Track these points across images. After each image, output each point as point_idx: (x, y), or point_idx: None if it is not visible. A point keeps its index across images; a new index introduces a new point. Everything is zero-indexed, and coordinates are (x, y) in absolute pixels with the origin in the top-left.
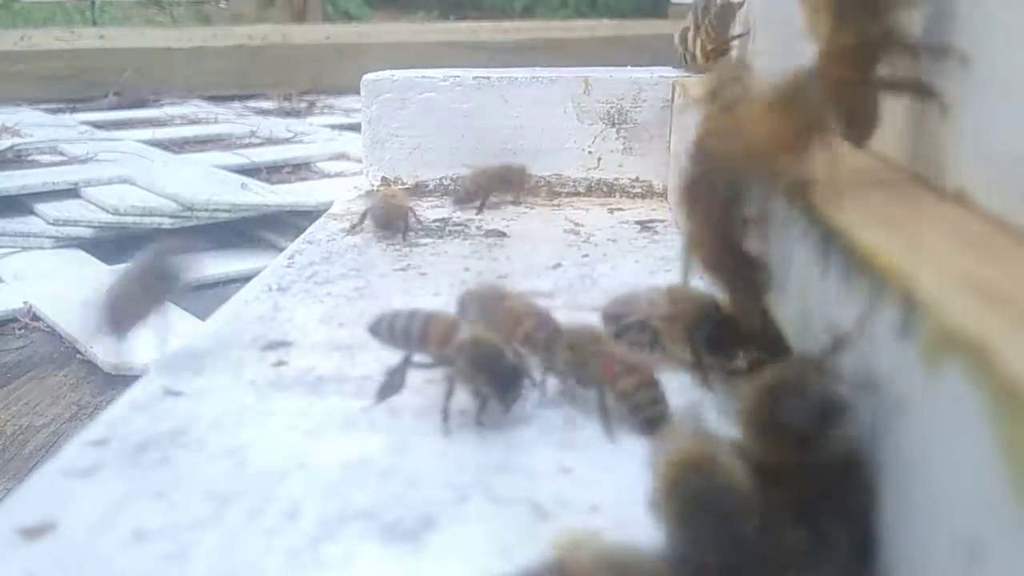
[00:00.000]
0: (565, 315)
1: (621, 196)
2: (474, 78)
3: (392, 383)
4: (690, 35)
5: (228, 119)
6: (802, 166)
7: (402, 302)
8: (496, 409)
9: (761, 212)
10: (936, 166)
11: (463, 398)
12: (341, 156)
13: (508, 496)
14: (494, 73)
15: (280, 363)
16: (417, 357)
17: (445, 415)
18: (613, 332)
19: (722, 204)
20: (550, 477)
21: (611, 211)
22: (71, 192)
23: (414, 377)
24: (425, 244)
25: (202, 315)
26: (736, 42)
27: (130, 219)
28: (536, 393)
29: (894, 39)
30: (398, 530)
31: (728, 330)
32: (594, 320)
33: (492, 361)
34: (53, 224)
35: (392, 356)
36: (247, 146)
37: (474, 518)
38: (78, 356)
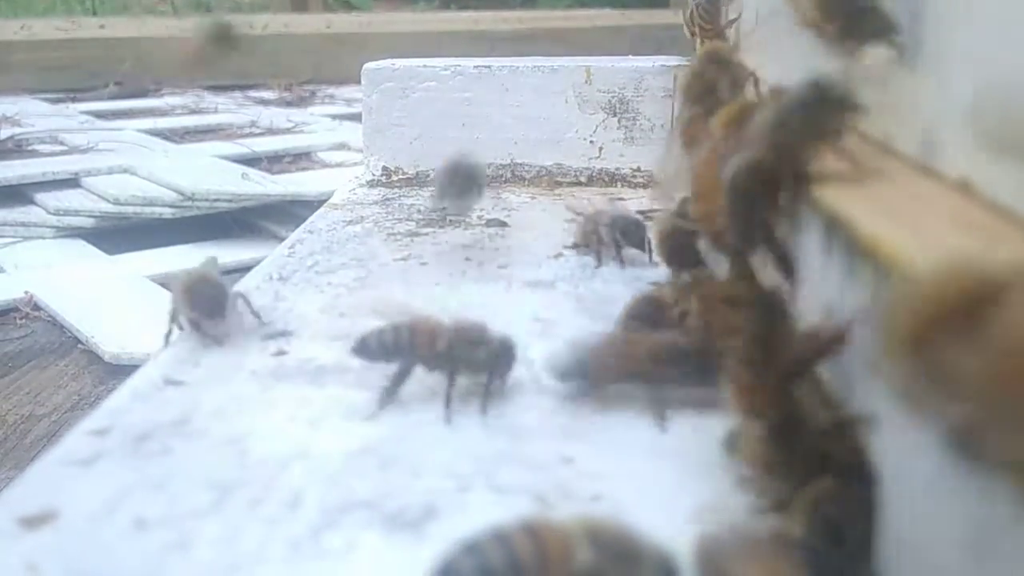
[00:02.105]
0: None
1: (623, 186)
2: (475, 67)
3: (393, 389)
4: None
5: (229, 109)
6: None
7: (403, 292)
8: (497, 392)
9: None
10: (940, 154)
11: (465, 389)
12: (342, 146)
13: (510, 486)
14: (495, 62)
15: (281, 353)
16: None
17: (448, 401)
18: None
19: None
20: (552, 467)
21: (612, 201)
22: (72, 182)
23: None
24: (426, 234)
25: None
26: (730, 27)
27: (131, 209)
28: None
29: None
30: (400, 520)
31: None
32: None
33: (480, 342)
34: (54, 214)
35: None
36: (248, 136)
37: (476, 508)
38: (79, 346)
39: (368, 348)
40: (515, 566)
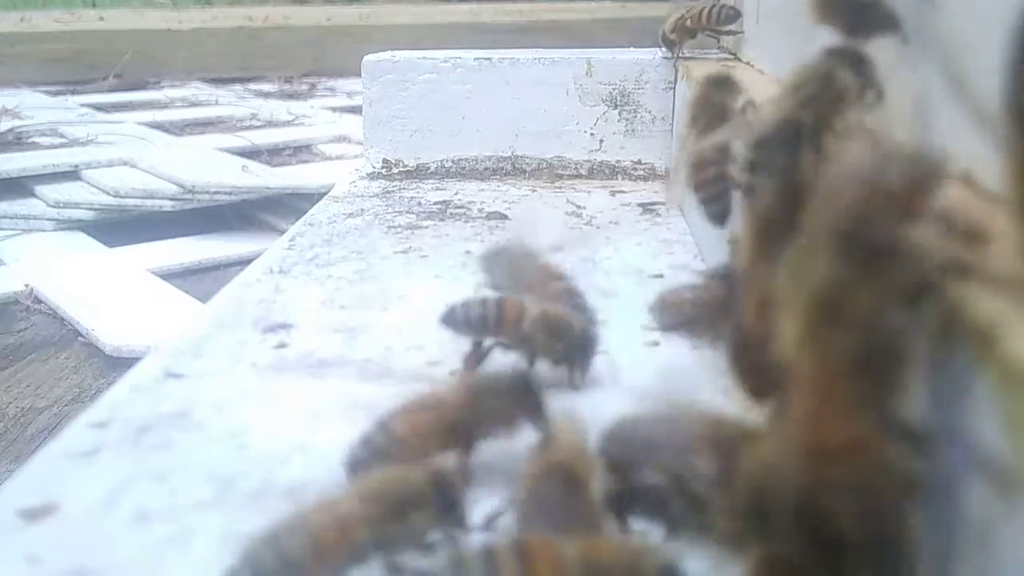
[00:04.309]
0: None
1: (623, 178)
2: (475, 59)
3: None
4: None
5: (229, 101)
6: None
7: (404, 285)
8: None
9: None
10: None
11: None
12: (342, 139)
13: (510, 479)
14: (496, 54)
15: (281, 345)
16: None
17: None
18: None
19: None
20: None
21: (613, 193)
22: (72, 174)
23: (416, 360)
24: (427, 227)
25: (203, 298)
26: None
27: (131, 201)
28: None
29: None
30: None
31: None
32: None
33: (566, 331)
34: (54, 206)
35: (393, 341)
36: (248, 128)
37: (477, 502)
38: (79, 338)
39: (455, 319)
40: None
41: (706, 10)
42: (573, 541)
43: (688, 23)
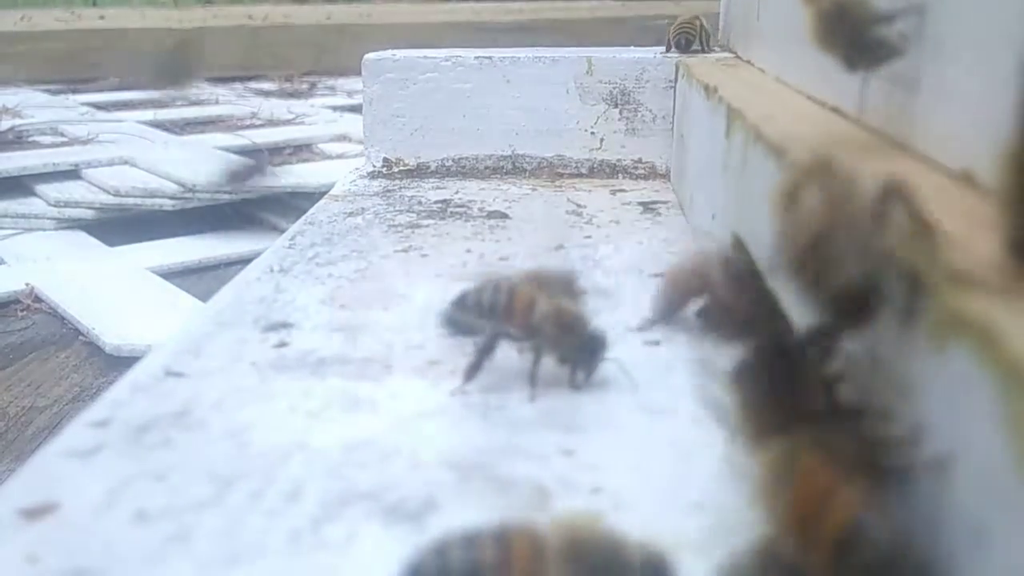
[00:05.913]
0: None
1: (624, 177)
2: (476, 58)
3: (479, 362)
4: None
5: (229, 100)
6: None
7: (404, 283)
8: (580, 374)
9: None
10: (942, 145)
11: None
12: (343, 137)
13: (510, 477)
14: (496, 53)
15: (282, 344)
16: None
17: (533, 381)
18: None
19: None
20: (552, 459)
21: (613, 192)
22: (72, 173)
23: (416, 359)
24: (427, 226)
25: (203, 296)
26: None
27: (131, 200)
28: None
29: None
30: (400, 511)
31: None
32: None
33: (577, 328)
34: (54, 205)
35: (394, 340)
36: (248, 127)
37: (476, 500)
38: (80, 337)
39: (465, 305)
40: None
41: (679, 40)
42: (556, 528)
43: (670, 37)
